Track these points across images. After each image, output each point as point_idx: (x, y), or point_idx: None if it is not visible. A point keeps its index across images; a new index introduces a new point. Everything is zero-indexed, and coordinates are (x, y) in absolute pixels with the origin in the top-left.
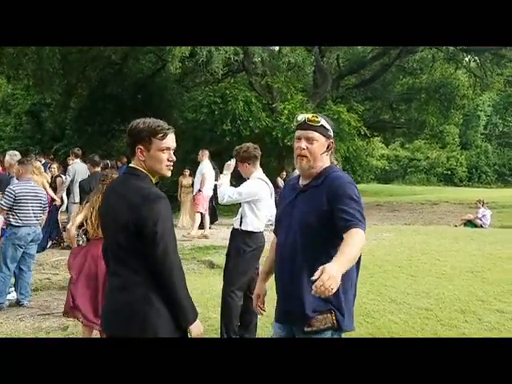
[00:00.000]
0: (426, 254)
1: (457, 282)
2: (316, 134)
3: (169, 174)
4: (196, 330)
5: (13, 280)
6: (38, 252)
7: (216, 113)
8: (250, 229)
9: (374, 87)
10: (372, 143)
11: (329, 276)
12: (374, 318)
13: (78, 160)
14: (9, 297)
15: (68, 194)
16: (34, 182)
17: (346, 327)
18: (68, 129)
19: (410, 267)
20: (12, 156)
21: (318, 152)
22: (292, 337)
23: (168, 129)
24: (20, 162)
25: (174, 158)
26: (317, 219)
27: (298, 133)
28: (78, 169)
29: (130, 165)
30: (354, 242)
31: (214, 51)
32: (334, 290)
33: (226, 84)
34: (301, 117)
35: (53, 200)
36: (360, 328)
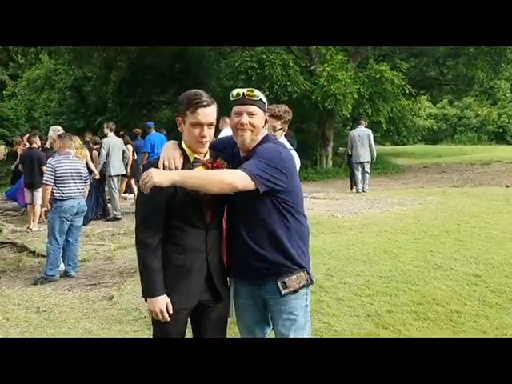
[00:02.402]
0: (475, 217)
1: (508, 245)
2: (256, 108)
3: (202, 149)
4: (150, 306)
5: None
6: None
7: (253, 78)
8: None
9: None
10: (418, 102)
11: (149, 173)
12: (418, 285)
13: (112, 134)
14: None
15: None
16: (74, 156)
17: (313, 280)
18: (110, 102)
19: (457, 231)
20: (55, 131)
21: (260, 125)
22: (261, 303)
23: (199, 103)
24: (59, 137)
25: (206, 134)
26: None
27: (239, 108)
28: (113, 142)
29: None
30: (214, 173)
31: None
32: (150, 181)
33: (262, 48)
34: (237, 91)
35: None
36: (404, 296)
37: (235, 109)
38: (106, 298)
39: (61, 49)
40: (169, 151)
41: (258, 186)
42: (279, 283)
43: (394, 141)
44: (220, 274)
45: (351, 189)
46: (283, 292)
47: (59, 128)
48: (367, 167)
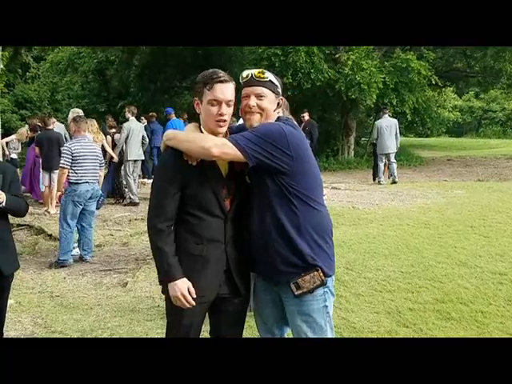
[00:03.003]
0: (500, 212)
1: None
2: (265, 90)
3: (220, 130)
4: (171, 291)
5: (77, 236)
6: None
7: (276, 65)
8: None
9: None
10: (444, 94)
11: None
12: (441, 282)
13: (133, 118)
14: (73, 252)
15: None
16: (89, 139)
17: (331, 275)
18: (132, 86)
19: (482, 227)
20: (74, 114)
21: (270, 108)
22: (279, 300)
23: (217, 79)
24: (74, 120)
25: (225, 112)
26: (260, 170)
27: (246, 90)
28: (133, 126)
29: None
30: (198, 137)
31: None
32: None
33: None
34: (246, 73)
35: (110, 158)
36: (426, 293)
37: (243, 91)
38: (120, 284)
39: None
40: (188, 131)
41: (245, 157)
42: (291, 284)
43: (417, 132)
44: (239, 267)
45: (374, 180)
46: (296, 293)
47: (79, 111)
48: (393, 157)
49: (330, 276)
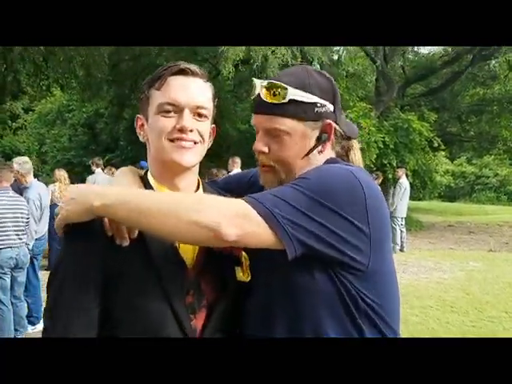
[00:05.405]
0: None
1: None
2: (285, 121)
3: (180, 158)
4: None
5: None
6: None
7: None
8: None
9: (441, 97)
10: (436, 158)
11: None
12: None
13: (99, 170)
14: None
15: None
16: (13, 192)
17: None
18: (121, 140)
19: None
20: (21, 163)
21: (293, 154)
22: None
23: (171, 68)
24: None
25: (188, 125)
26: (302, 260)
27: (253, 119)
28: (99, 180)
29: None
30: (183, 198)
31: (270, 55)
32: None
33: None
34: (254, 84)
35: None
36: None
37: (252, 119)
38: None
39: (71, 81)
40: (118, 182)
41: (284, 243)
42: None
43: (410, 195)
44: None
45: None
46: None
47: (26, 159)
48: (403, 223)
49: None
